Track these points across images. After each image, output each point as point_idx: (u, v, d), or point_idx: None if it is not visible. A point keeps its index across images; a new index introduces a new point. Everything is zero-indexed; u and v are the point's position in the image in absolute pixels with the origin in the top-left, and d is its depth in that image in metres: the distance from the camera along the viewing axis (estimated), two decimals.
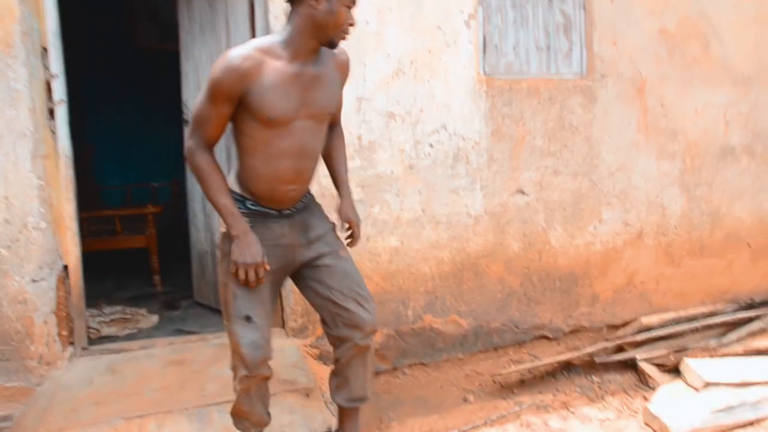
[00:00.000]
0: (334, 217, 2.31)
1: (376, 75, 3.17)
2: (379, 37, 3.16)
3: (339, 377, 2.29)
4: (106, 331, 3.37)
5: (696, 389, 2.95)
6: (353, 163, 3.10)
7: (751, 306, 3.81)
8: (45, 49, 2.87)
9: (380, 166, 3.20)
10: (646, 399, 3.02)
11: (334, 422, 2.49)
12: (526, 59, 3.54)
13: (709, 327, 3.56)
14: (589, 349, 3.34)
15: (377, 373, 3.16)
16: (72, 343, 2.93)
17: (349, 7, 1.94)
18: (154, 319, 3.63)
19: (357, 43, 3.02)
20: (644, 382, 3.20)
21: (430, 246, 3.32)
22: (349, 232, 2.29)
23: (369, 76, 3.16)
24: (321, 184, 2.85)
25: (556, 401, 3.05)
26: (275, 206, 2.07)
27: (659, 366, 3.26)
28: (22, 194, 2.72)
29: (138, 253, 4.50)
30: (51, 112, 2.89)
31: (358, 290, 2.17)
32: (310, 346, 3.12)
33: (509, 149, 3.43)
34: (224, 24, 3.40)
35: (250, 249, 1.95)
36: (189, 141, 1.98)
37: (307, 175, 2.09)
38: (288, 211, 2.10)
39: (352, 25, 1.97)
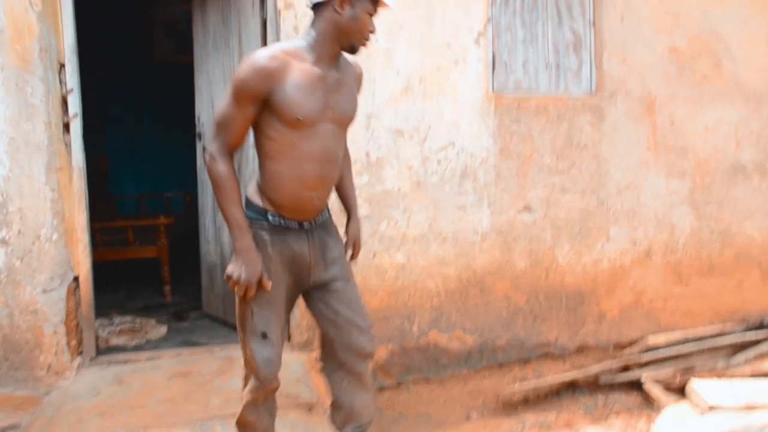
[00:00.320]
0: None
1: (385, 92, 3.20)
2: (389, 55, 3.19)
3: (341, 411, 2.24)
4: (115, 341, 3.43)
5: (701, 412, 2.93)
6: (361, 179, 3.13)
7: (761, 326, 3.77)
8: (62, 65, 2.94)
9: (388, 182, 3.23)
10: (650, 420, 3.00)
11: None
12: (535, 77, 3.55)
13: (718, 347, 3.54)
14: (595, 369, 3.33)
15: (381, 389, 3.17)
16: (81, 353, 2.98)
17: (371, 15, 1.99)
18: (163, 329, 3.67)
19: (366, 60, 3.05)
20: (650, 402, 3.18)
21: (437, 262, 3.33)
22: (350, 252, 2.31)
23: (378, 93, 3.20)
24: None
25: (560, 420, 3.04)
26: (297, 217, 2.05)
27: (665, 386, 3.23)
28: (35, 206, 2.79)
29: (150, 262, 4.55)
30: (66, 126, 2.96)
31: (362, 317, 2.17)
32: (316, 360, 3.14)
33: (517, 167, 3.45)
34: (237, 40, 3.46)
35: (249, 267, 1.95)
36: (211, 146, 1.97)
37: (329, 182, 2.09)
38: (308, 225, 2.08)
39: (372, 32, 2.01)
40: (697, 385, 3.06)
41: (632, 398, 3.24)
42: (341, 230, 2.33)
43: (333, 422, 2.29)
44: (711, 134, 3.81)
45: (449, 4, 3.30)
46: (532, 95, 3.51)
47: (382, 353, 3.24)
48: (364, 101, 3.12)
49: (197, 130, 3.85)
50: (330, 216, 2.22)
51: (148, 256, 4.42)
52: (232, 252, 2.03)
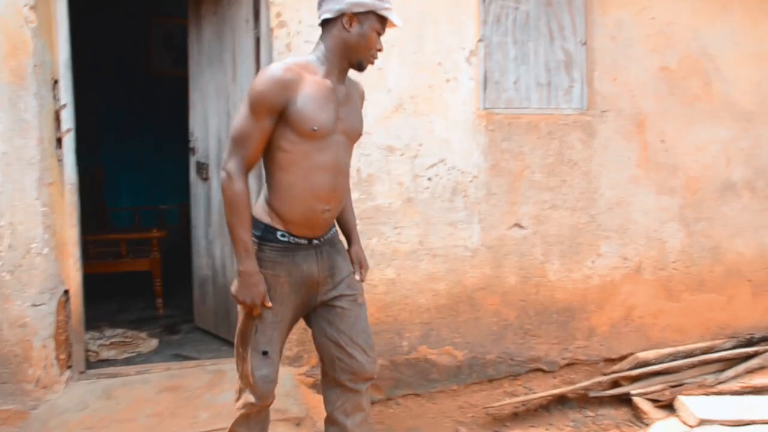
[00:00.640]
0: None
1: (377, 110, 3.23)
2: (381, 73, 3.23)
3: (335, 428, 2.23)
4: (105, 354, 3.43)
5: (690, 426, 2.94)
6: (352, 195, 3.14)
7: (750, 342, 3.78)
8: (56, 81, 2.97)
9: (379, 198, 3.26)
10: None
11: None
12: (526, 95, 3.59)
13: (707, 363, 3.55)
14: (584, 383, 3.35)
15: (371, 404, 3.17)
16: (70, 367, 2.98)
17: (379, 34, 2.03)
18: (154, 343, 3.68)
19: (358, 78, 3.09)
20: (638, 417, 3.19)
21: (427, 278, 3.35)
22: (358, 274, 2.30)
23: (369, 111, 3.21)
24: None
25: None
26: (307, 233, 2.05)
27: (654, 402, 3.25)
28: (26, 221, 2.80)
29: (143, 274, 4.56)
30: (59, 141, 2.98)
31: (365, 338, 2.17)
32: (305, 374, 3.15)
33: (507, 183, 3.47)
34: (231, 57, 3.49)
35: (253, 289, 1.96)
36: (228, 164, 1.96)
37: (340, 194, 2.10)
38: (317, 241, 2.09)
39: (380, 50, 2.06)
40: (686, 400, 3.08)
41: (621, 413, 3.26)
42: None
43: None
44: (701, 152, 3.84)
45: (441, 23, 3.34)
46: (523, 113, 3.54)
47: None
48: None
49: (191, 145, 3.88)
50: (337, 233, 2.23)
51: (140, 269, 4.43)
52: (237, 274, 2.01)
